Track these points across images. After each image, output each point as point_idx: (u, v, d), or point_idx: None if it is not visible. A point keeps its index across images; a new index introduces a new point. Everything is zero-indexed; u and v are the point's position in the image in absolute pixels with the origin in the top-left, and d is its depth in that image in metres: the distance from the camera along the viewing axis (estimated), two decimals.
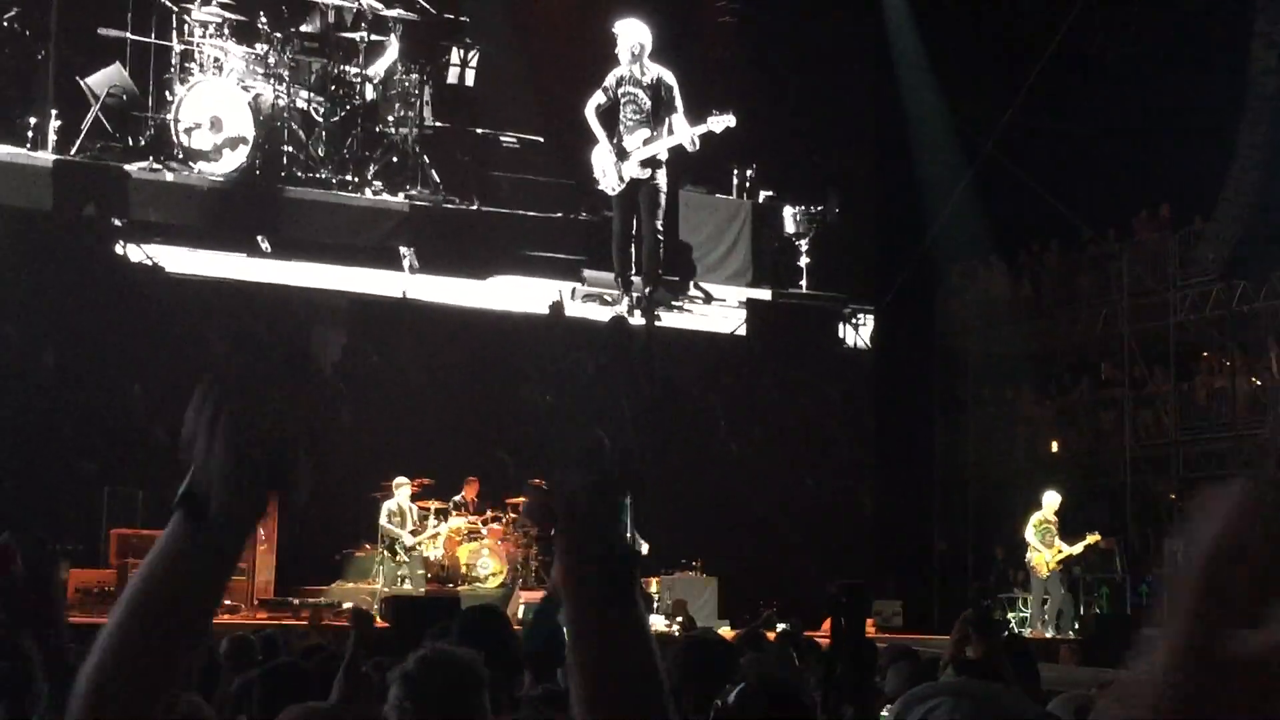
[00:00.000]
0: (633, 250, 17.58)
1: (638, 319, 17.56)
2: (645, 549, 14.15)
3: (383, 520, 14.14)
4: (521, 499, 14.74)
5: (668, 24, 18.03)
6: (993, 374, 19.35)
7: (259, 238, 16.00)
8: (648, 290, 17.62)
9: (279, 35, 16.15)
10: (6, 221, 14.72)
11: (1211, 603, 0.75)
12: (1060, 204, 18.23)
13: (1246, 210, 17.41)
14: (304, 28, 16.54)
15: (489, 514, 14.69)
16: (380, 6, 16.73)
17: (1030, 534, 15.53)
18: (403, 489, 14.21)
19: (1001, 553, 17.30)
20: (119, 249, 15.33)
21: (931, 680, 4.61)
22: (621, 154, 17.25)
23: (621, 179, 17.32)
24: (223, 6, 15.80)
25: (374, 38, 16.65)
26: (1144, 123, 17.52)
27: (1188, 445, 17.19)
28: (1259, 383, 17.18)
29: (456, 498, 14.75)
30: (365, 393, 15.61)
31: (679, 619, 13.63)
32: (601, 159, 17.34)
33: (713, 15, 18.82)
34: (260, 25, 16.06)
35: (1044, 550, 15.40)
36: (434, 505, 14.48)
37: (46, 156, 15.24)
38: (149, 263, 15.31)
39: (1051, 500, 15.62)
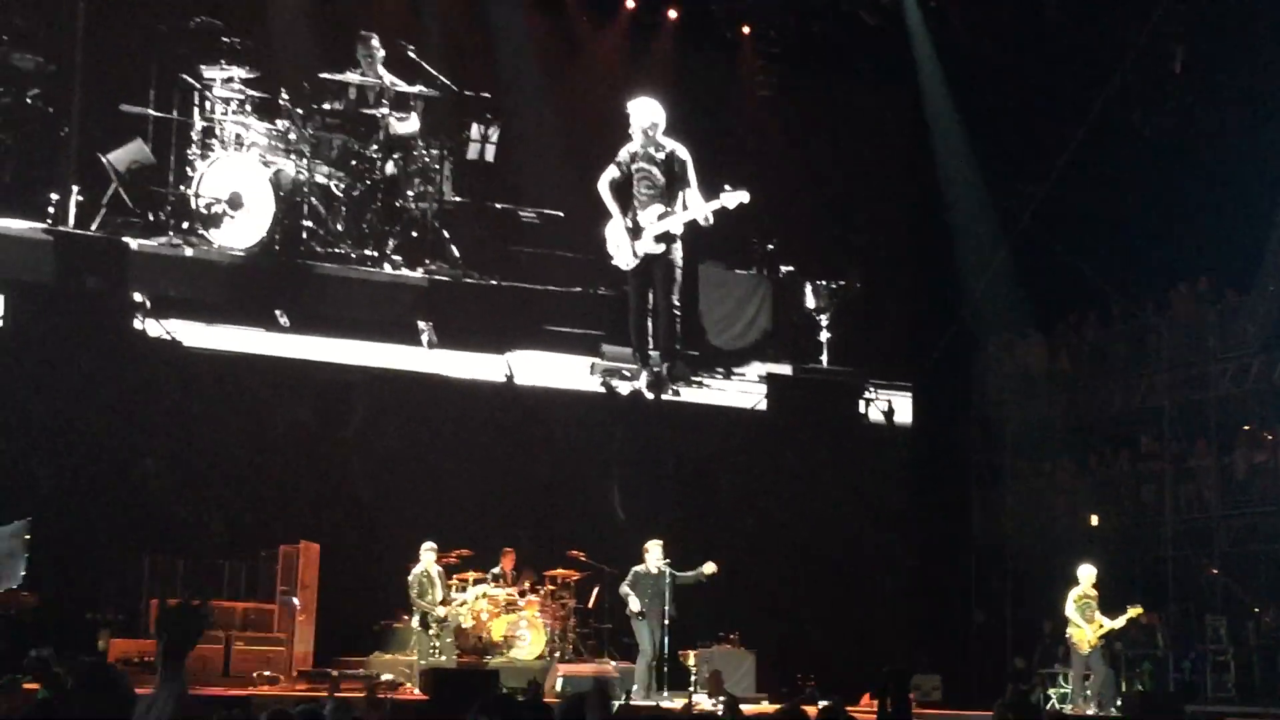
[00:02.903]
0: (650, 325, 18.76)
1: (650, 395, 18.80)
2: (713, 568, 15.15)
3: (412, 591, 15.12)
4: (561, 571, 15.90)
5: (703, 96, 19.43)
6: (1030, 446, 20.42)
7: (277, 312, 17.02)
8: (666, 365, 18.87)
9: (300, 111, 17.39)
10: (27, 296, 15.91)
11: None
12: (1097, 276, 19.51)
13: None
14: (325, 104, 17.76)
15: (527, 585, 15.69)
16: (401, 83, 18.00)
17: (1071, 609, 16.32)
18: (428, 554, 15.18)
19: (1049, 627, 18.22)
20: (137, 324, 16.30)
21: None
22: (636, 229, 18.46)
23: (636, 254, 18.57)
24: (245, 83, 17.01)
25: (395, 114, 18.04)
26: (1182, 195, 18.80)
27: (1230, 520, 18.24)
28: None
29: (495, 569, 15.74)
30: (389, 466, 16.86)
31: (721, 699, 14.48)
32: (615, 234, 18.49)
33: (750, 89, 20.14)
34: (282, 101, 17.27)
35: (1085, 626, 16.20)
36: (473, 576, 15.47)
37: (65, 231, 16.32)
38: (167, 337, 16.36)
39: (1088, 574, 16.44)
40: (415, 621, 15.08)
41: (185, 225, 16.95)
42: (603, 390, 18.66)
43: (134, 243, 16.61)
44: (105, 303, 16.42)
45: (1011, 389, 20.70)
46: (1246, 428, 18.76)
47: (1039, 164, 18.88)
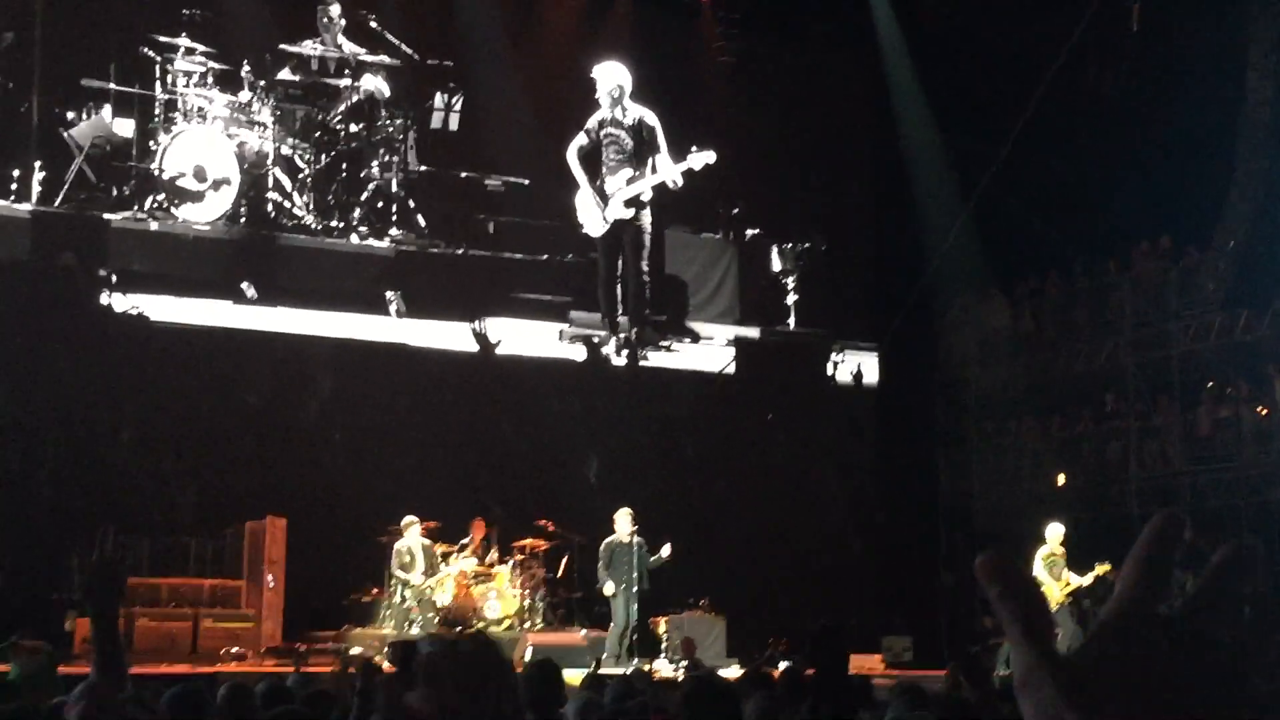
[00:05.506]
0: (619, 291, 18.60)
1: (622, 359, 18.65)
2: (668, 550, 15.09)
3: (393, 563, 14.93)
4: (530, 541, 15.74)
5: (664, 62, 19.17)
6: (995, 407, 20.38)
7: (244, 285, 16.71)
8: (634, 331, 18.69)
9: (262, 83, 17.04)
10: None
11: None
12: (1059, 236, 19.41)
13: (1246, 239, 18.55)
14: (287, 75, 17.48)
15: (497, 556, 15.48)
16: (364, 53, 17.79)
17: (1038, 568, 16.32)
18: (412, 529, 14.96)
19: None
20: (103, 299, 16.00)
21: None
22: (604, 196, 18.22)
23: (605, 221, 18.32)
24: (206, 55, 16.68)
25: (358, 84, 17.82)
26: (1142, 154, 18.69)
27: (1194, 476, 18.22)
28: (1264, 412, 18.20)
29: (465, 540, 15.53)
30: (357, 437, 16.64)
31: (684, 663, 14.39)
32: (584, 202, 18.22)
33: (711, 55, 19.93)
34: (244, 74, 16.91)
35: (1052, 583, 16.21)
36: (441, 549, 15.25)
37: (28, 208, 16.12)
38: (134, 312, 16.09)
39: (1055, 532, 16.45)
40: (397, 595, 14.87)
41: (150, 199, 16.63)
42: (571, 357, 18.47)
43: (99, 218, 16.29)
44: (72, 279, 16.14)
45: (975, 350, 20.62)
46: (1210, 384, 18.74)
47: (999, 124, 18.70)
